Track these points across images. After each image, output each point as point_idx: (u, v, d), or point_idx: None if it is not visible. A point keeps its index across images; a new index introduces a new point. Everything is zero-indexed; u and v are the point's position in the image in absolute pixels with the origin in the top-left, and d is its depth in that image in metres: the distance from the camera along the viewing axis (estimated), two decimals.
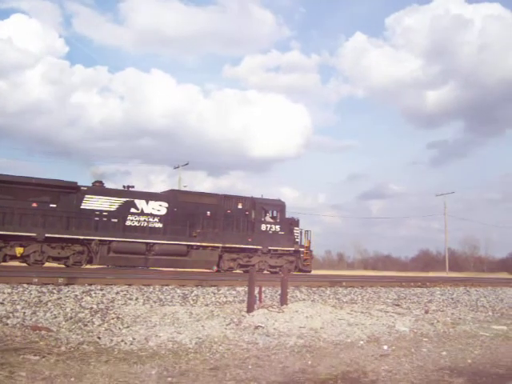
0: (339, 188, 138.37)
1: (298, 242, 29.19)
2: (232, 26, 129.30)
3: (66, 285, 11.85)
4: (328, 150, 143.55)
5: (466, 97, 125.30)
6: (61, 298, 10.36)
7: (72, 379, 5.88)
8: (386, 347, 8.79)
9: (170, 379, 6.16)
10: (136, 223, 25.32)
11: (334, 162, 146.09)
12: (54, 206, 23.57)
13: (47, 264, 22.99)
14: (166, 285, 13.09)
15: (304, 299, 12.96)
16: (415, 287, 18.17)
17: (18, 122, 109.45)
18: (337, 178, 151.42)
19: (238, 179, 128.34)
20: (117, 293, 11.38)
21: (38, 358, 6.78)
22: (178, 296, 11.82)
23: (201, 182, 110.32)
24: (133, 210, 25.37)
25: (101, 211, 24.63)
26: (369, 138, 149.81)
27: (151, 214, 25.72)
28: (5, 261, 21.99)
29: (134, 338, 8.24)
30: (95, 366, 6.59)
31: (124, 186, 26.42)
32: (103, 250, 24.02)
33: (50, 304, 9.78)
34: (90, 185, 25.62)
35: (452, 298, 16.09)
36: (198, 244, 26.20)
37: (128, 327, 8.89)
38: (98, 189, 25.48)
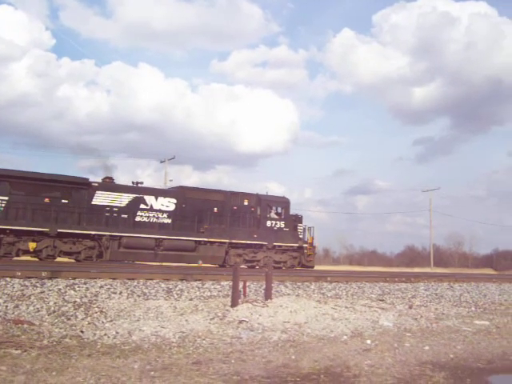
0: (326, 183, 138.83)
1: (301, 238, 29.56)
2: (220, 20, 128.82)
3: (50, 278, 11.74)
4: (315, 146, 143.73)
5: (452, 94, 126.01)
6: (44, 291, 10.28)
7: (53, 373, 5.84)
8: (369, 342, 8.82)
9: (152, 373, 6.15)
10: (145, 219, 25.55)
11: (321, 158, 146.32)
12: (66, 201, 23.72)
13: (59, 259, 23.12)
14: (151, 279, 13.02)
15: (289, 294, 12.96)
16: (399, 282, 18.24)
17: (3, 115, 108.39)
18: (323, 173, 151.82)
19: (224, 174, 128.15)
20: (101, 287, 11.31)
21: (19, 351, 6.74)
22: (163, 290, 11.78)
23: (187, 177, 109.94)
24: (142, 205, 25.60)
25: (111, 207, 24.79)
26: (356, 133, 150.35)
27: (160, 210, 25.98)
28: (18, 255, 22.21)
29: (117, 332, 8.21)
30: (77, 360, 6.56)
31: (133, 182, 26.67)
32: (114, 245, 24.12)
33: (32, 298, 9.70)
34: (100, 180, 25.76)
35: (436, 294, 16.18)
36: (206, 240, 26.40)
37: (111, 321, 8.85)
38: (109, 185, 25.60)
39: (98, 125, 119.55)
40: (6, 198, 22.29)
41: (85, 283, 11.46)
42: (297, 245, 29.02)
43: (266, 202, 28.95)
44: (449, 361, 7.86)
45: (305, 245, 29.31)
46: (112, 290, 11.18)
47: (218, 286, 12.84)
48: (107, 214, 24.57)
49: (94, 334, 8.04)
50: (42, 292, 10.19)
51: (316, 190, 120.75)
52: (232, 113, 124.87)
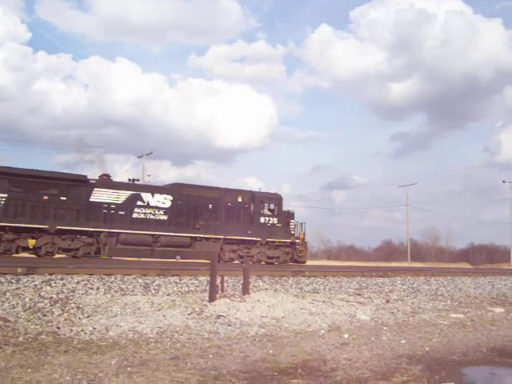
0: (304, 178, 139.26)
1: (293, 234, 30.17)
2: (198, 15, 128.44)
3: (26, 274, 11.63)
4: (293, 141, 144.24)
5: (429, 90, 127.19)
6: (19, 287, 10.16)
7: (29, 370, 5.79)
8: (346, 336, 8.88)
9: (129, 369, 6.12)
10: (142, 215, 25.95)
11: (299, 153, 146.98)
12: (64, 198, 23.94)
13: (57, 255, 23.34)
14: (128, 274, 12.97)
15: (266, 288, 12.98)
16: (377, 277, 18.37)
17: None
18: (302, 168, 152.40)
19: (202, 169, 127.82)
20: (77, 282, 11.22)
21: None
22: (140, 285, 11.73)
23: (165, 172, 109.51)
24: (139, 202, 25.95)
25: (109, 204, 25.15)
26: (333, 129, 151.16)
27: (157, 207, 26.36)
28: (17, 252, 22.37)
29: (94, 328, 8.16)
30: (53, 357, 6.50)
31: (129, 180, 27.01)
32: (112, 241, 24.48)
33: (8, 294, 9.58)
34: (97, 178, 26.05)
35: (412, 288, 16.32)
36: (202, 236, 26.89)
37: (88, 317, 8.78)
38: (106, 182, 25.93)
39: (75, 119, 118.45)
40: (6, 196, 22.44)
41: (61, 279, 11.36)
42: (289, 240, 29.71)
43: (259, 199, 29.52)
44: (425, 354, 7.94)
45: (297, 240, 30.01)
46: (89, 285, 11.10)
47: (196, 281, 12.82)
48: (105, 211, 24.91)
49: (71, 330, 7.97)
50: (17, 288, 10.07)
51: (294, 186, 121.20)
52: (210, 108, 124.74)
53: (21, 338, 7.36)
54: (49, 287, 10.46)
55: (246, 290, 11.29)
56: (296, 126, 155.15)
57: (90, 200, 24.64)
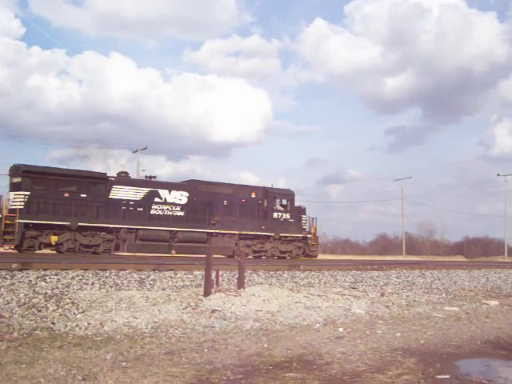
0: (299, 173, 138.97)
1: (305, 228, 30.82)
2: (193, 10, 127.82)
3: (20, 270, 11.62)
4: (288, 135, 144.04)
5: (423, 84, 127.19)
6: (14, 283, 10.15)
7: (23, 366, 5.77)
8: (341, 330, 8.89)
9: (124, 364, 6.11)
10: (160, 212, 26.43)
11: (294, 147, 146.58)
12: (85, 195, 24.39)
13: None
14: (123, 269, 12.97)
15: (261, 283, 13.00)
16: (372, 270, 18.42)
17: None
18: (297, 162, 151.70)
19: (197, 164, 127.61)
20: (72, 278, 11.21)
21: None
22: (135, 280, 11.72)
23: (160, 167, 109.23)
24: (157, 199, 26.44)
25: (127, 201, 25.64)
26: (328, 123, 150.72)
27: (173, 203, 26.88)
28: (39, 249, 22.72)
29: (89, 323, 8.15)
30: (48, 352, 6.49)
31: (146, 177, 27.71)
32: (131, 237, 25.09)
33: (2, 290, 9.56)
34: (116, 175, 26.54)
35: (407, 281, 16.37)
36: (217, 231, 27.52)
37: (83, 312, 8.77)
38: (125, 179, 26.43)
39: (69, 115, 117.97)
40: (28, 193, 22.78)
41: (56, 274, 11.35)
42: (301, 235, 30.45)
43: (272, 195, 30.19)
44: (419, 347, 7.96)
45: (309, 235, 30.69)
46: (84, 280, 11.10)
47: (191, 276, 12.83)
48: (124, 208, 25.36)
49: (66, 326, 7.96)
50: (12, 284, 10.06)
51: (289, 180, 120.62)
52: (205, 102, 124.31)
53: (15, 334, 7.35)
54: (43, 283, 10.45)
55: (241, 285, 11.29)
56: (291, 121, 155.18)
57: (110, 197, 25.11)
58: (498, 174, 77.01)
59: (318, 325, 9.23)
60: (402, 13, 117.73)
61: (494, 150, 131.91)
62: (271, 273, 14.86)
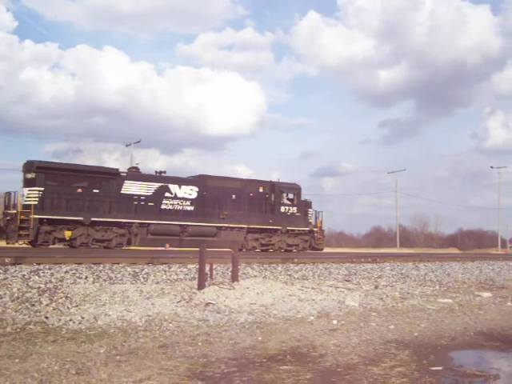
0: (293, 165, 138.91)
1: (311, 222, 31.31)
2: (186, 3, 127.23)
3: (14, 264, 11.58)
4: (282, 128, 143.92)
5: (417, 77, 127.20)
6: (7, 278, 10.09)
7: (16, 360, 5.77)
8: (335, 322, 8.91)
9: (118, 358, 6.11)
10: (170, 206, 26.73)
11: (288, 140, 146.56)
12: (97, 191, 24.66)
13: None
14: (117, 263, 12.94)
15: (255, 276, 12.99)
16: (366, 263, 18.46)
17: None
18: (291, 155, 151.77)
19: (191, 157, 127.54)
20: (66, 272, 11.17)
21: None
22: (129, 274, 11.69)
23: (154, 160, 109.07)
24: (167, 194, 26.75)
25: (139, 196, 25.89)
26: (322, 116, 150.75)
27: (183, 198, 27.22)
28: (53, 243, 22.99)
29: (82, 317, 8.13)
30: (42, 346, 6.48)
31: (156, 172, 27.83)
32: (143, 232, 25.40)
33: None
34: (126, 170, 26.99)
35: (401, 274, 16.40)
36: (226, 225, 27.89)
37: (77, 306, 8.75)
38: (136, 174, 26.81)
39: (63, 109, 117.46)
40: (42, 189, 22.99)
41: (49, 269, 11.30)
42: (308, 229, 30.90)
43: (279, 189, 30.58)
44: (413, 339, 7.98)
45: (315, 229, 31.15)
46: (77, 274, 11.05)
47: (185, 269, 12.81)
48: (135, 203, 25.64)
49: (59, 320, 7.94)
50: (5, 278, 10.01)
51: (283, 173, 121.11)
52: (199, 96, 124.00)
53: (8, 329, 7.33)
54: (37, 277, 10.40)
55: (235, 278, 11.29)
56: (284, 114, 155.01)
57: (121, 192, 25.36)
58: (492, 167, 77.16)
59: (311, 317, 9.25)
60: (395, 5, 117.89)
61: (488, 143, 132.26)
62: (265, 266, 14.85)
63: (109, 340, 7.00)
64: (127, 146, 58.48)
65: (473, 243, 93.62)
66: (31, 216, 22.11)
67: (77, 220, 23.39)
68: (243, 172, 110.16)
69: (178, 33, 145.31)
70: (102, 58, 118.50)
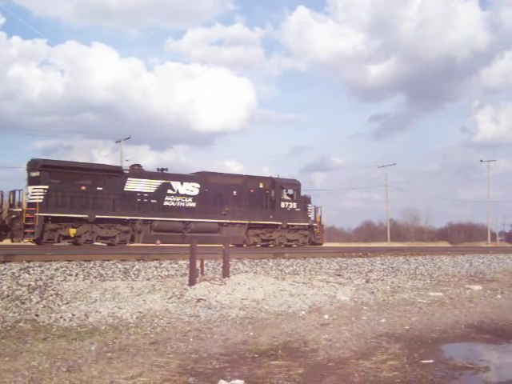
0: (283, 160, 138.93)
1: (310, 217, 31.84)
2: None
3: (3, 262, 11.49)
4: (272, 124, 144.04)
5: (406, 71, 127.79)
6: None
7: (6, 359, 5.73)
8: (326, 316, 8.92)
9: (109, 354, 6.09)
10: (173, 203, 27.04)
11: (278, 136, 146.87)
12: (101, 188, 24.89)
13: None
14: (107, 260, 12.88)
15: (246, 271, 12.98)
16: (357, 257, 18.49)
17: None
18: (281, 150, 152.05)
19: (182, 153, 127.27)
20: (56, 269, 11.11)
21: None
22: (120, 271, 11.65)
23: (144, 157, 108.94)
24: (169, 191, 27.03)
25: (142, 193, 26.20)
26: (312, 111, 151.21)
27: (185, 195, 27.52)
28: (58, 241, 23.13)
29: (73, 315, 8.10)
30: (32, 344, 6.45)
31: (158, 169, 28.02)
32: (146, 229, 25.69)
33: None
34: (129, 168, 27.19)
35: (392, 267, 16.45)
36: (228, 221, 28.35)
37: (67, 303, 8.71)
38: (139, 172, 27.02)
39: (52, 105, 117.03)
40: (47, 187, 23.13)
41: (39, 266, 11.24)
42: (307, 224, 31.39)
43: (279, 185, 30.99)
44: (404, 332, 8.01)
45: (314, 224, 31.68)
46: (68, 272, 11.00)
47: (176, 265, 12.78)
48: (139, 200, 25.86)
49: (50, 317, 7.91)
50: None
51: (274, 168, 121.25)
52: (188, 92, 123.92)
53: None
54: (27, 274, 10.35)
55: (226, 273, 11.28)
56: (274, 109, 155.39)
57: (125, 189, 25.55)
58: (481, 160, 77.62)
59: (303, 312, 9.26)
60: (385, 0, 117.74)
61: (477, 137, 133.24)
62: (256, 261, 14.84)
63: (100, 337, 6.98)
64: (117, 142, 58.40)
65: (463, 236, 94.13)
66: (36, 214, 22.23)
67: (81, 217, 23.52)
68: (234, 168, 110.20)
69: (167, 28, 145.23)
70: (90, 54, 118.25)
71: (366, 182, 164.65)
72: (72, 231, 23.28)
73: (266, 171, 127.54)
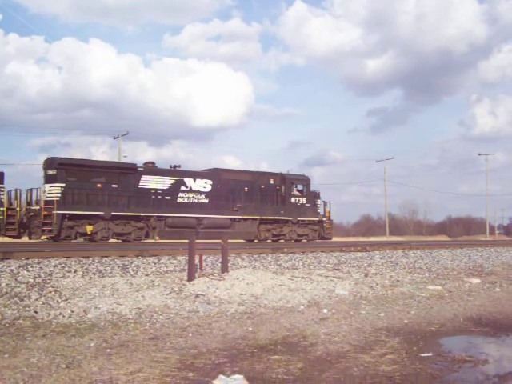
0: (282, 155, 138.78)
1: (319, 212, 32.35)
2: None
3: (2, 259, 11.50)
4: (270, 119, 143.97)
5: (404, 65, 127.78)
6: None
7: (6, 356, 5.73)
8: (325, 311, 8.93)
9: (109, 350, 6.09)
10: (186, 200, 27.58)
11: (277, 130, 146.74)
12: (116, 186, 25.36)
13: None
14: (106, 256, 12.90)
15: (245, 266, 12.99)
16: (355, 252, 18.50)
17: None
18: (279, 145, 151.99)
19: (180, 149, 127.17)
20: (55, 266, 11.12)
21: None
22: (118, 267, 11.66)
23: (142, 153, 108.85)
24: (183, 187, 27.57)
25: (156, 190, 26.64)
26: (310, 105, 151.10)
27: (198, 191, 28.10)
28: (75, 238, 23.54)
29: (72, 311, 8.10)
30: (31, 341, 6.44)
31: (171, 166, 28.39)
32: (161, 225, 26.19)
33: None
34: (143, 165, 27.42)
35: (391, 261, 16.46)
36: (240, 217, 28.91)
37: (66, 300, 8.71)
38: (152, 169, 27.49)
39: (50, 102, 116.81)
40: (63, 185, 23.53)
41: (38, 263, 11.25)
42: (317, 219, 32.00)
43: (289, 181, 31.51)
44: (403, 326, 8.02)
45: (324, 219, 32.23)
46: (66, 268, 11.01)
47: (175, 261, 12.80)
48: (153, 197, 26.25)
49: (49, 314, 7.90)
50: None
51: (272, 163, 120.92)
52: (186, 87, 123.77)
53: None
54: (26, 271, 10.35)
55: (224, 269, 11.29)
56: (272, 104, 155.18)
57: (139, 186, 25.96)
58: (479, 154, 77.60)
59: (302, 307, 9.26)
60: None
61: (475, 130, 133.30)
62: (255, 256, 14.86)
63: (99, 333, 6.98)
64: (115, 138, 58.19)
65: (461, 230, 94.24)
66: (54, 211, 22.53)
67: (97, 215, 23.86)
68: (232, 163, 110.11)
69: (165, 24, 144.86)
70: (88, 51, 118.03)
71: (364, 177, 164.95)
72: (89, 228, 23.62)
73: (264, 166, 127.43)
